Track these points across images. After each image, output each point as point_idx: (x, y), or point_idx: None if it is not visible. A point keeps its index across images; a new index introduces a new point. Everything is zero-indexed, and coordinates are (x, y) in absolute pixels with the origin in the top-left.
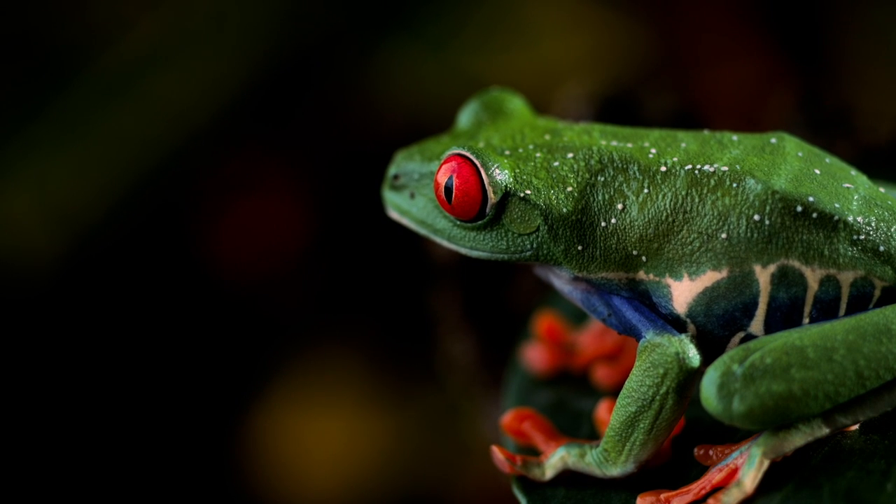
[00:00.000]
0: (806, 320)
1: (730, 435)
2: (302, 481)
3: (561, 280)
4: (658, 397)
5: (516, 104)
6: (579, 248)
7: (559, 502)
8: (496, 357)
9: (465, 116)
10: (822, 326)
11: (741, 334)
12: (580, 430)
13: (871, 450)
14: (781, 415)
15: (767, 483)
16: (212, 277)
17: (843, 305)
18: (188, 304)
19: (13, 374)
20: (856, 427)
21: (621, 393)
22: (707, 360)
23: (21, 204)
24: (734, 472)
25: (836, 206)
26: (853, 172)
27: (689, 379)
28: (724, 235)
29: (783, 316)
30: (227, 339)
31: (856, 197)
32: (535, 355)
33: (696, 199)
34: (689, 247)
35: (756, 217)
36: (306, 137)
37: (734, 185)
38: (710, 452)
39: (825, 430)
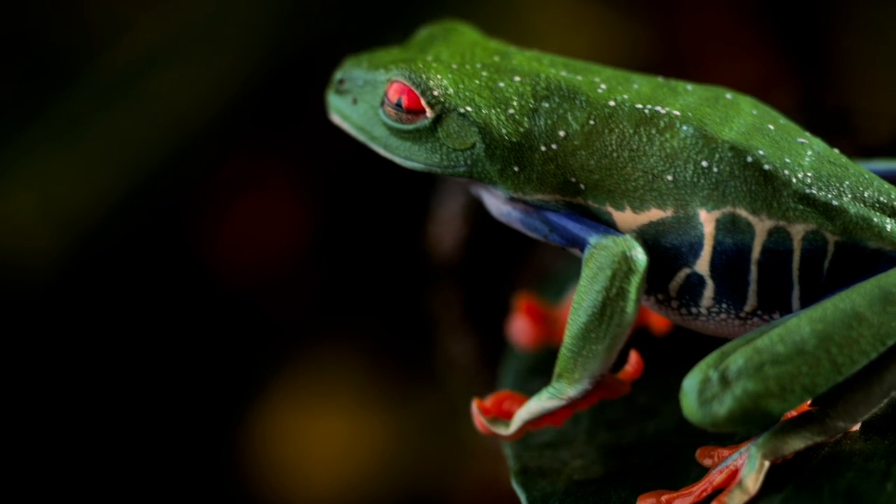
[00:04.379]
0: (754, 267)
1: (728, 434)
2: (302, 482)
3: (496, 200)
4: (609, 301)
5: (471, 29)
6: (515, 168)
7: (559, 500)
8: (496, 357)
9: (420, 35)
10: (787, 322)
11: (687, 270)
12: (579, 423)
13: (871, 450)
14: (763, 414)
15: (768, 484)
16: (212, 278)
17: (797, 258)
18: (188, 304)
19: (13, 374)
20: (857, 427)
21: (571, 308)
22: (654, 289)
23: (21, 204)
24: (734, 473)
25: (787, 160)
26: (808, 134)
27: (638, 279)
28: (669, 177)
29: (729, 260)
30: (227, 339)
31: (809, 153)
32: (519, 329)
33: (644, 139)
34: (633, 183)
35: (704, 163)
36: (306, 138)
37: (684, 128)
38: (712, 453)
39: (824, 436)
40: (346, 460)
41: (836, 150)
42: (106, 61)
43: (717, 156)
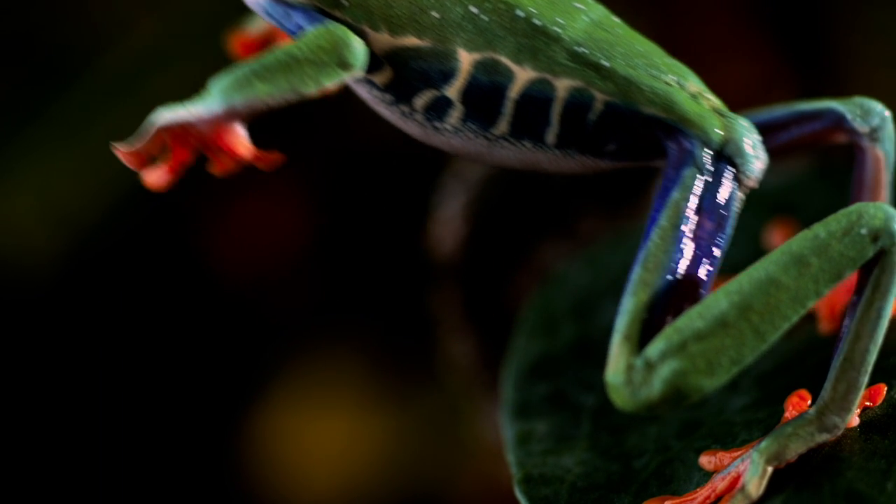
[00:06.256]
0: (509, 103)
1: (730, 438)
2: (302, 482)
3: None
4: (300, 61)
5: None
6: None
7: None
8: (496, 358)
9: None
10: (704, 300)
11: (435, 92)
12: (580, 427)
13: (871, 450)
14: (695, 391)
15: (769, 485)
16: (211, 278)
17: (558, 106)
18: (188, 304)
19: (13, 373)
20: (856, 423)
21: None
22: (399, 102)
23: (21, 204)
24: (737, 479)
25: (560, 20)
26: (592, 2)
27: (340, 72)
28: (435, 14)
29: (483, 93)
30: (227, 339)
31: (585, 18)
32: (240, 47)
33: None
34: (397, 11)
35: (473, 9)
36: (306, 138)
37: None
38: (714, 459)
39: (825, 433)
40: (345, 460)
41: (619, 21)
42: (106, 61)
43: (487, 5)
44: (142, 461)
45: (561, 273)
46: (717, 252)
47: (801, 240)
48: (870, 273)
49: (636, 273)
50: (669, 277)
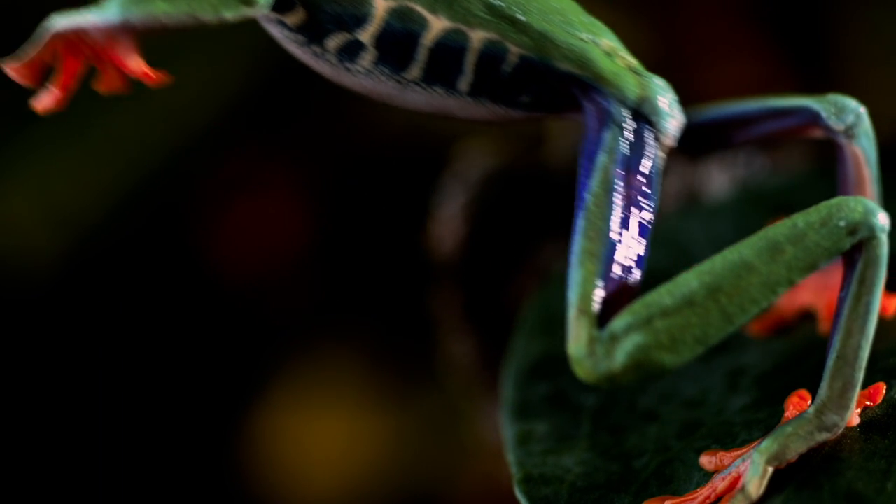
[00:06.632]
0: (423, 50)
1: (730, 438)
2: (301, 482)
3: None
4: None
5: None
6: None
7: None
8: (496, 358)
9: None
10: (676, 278)
11: (348, 36)
12: (580, 427)
13: (871, 450)
14: (657, 366)
15: (769, 485)
16: (211, 278)
17: (472, 56)
18: (188, 304)
19: (13, 374)
20: (856, 422)
21: None
22: (310, 43)
23: (21, 204)
24: (737, 479)
25: None
26: None
27: (237, 4)
28: None
29: (397, 39)
30: (226, 339)
31: None
32: None
33: None
34: None
35: None
36: (306, 138)
37: None
38: (714, 459)
39: (825, 433)
40: (346, 460)
41: None
42: None
43: None
44: (142, 461)
45: (561, 273)
46: (649, 210)
47: (780, 227)
48: (854, 268)
49: (579, 243)
50: (611, 243)
